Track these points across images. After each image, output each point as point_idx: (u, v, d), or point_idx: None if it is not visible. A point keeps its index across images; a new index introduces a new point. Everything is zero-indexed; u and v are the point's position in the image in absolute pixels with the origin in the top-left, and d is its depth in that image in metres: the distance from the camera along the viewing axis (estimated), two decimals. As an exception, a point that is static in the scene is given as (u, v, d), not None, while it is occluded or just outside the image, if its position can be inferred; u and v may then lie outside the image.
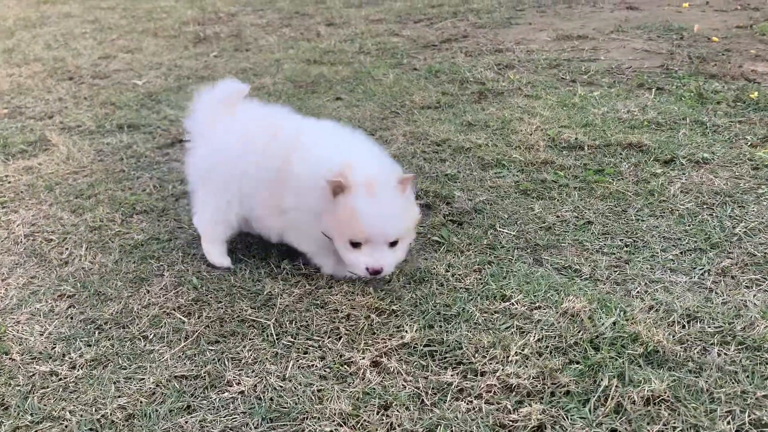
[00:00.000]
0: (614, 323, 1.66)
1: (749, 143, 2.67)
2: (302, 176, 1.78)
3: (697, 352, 1.55)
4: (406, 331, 1.68)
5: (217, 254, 2.03)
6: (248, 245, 2.15)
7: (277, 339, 1.69)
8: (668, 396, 1.40)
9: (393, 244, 1.76)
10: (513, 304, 1.78)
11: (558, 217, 2.25)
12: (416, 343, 1.64)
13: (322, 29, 5.49)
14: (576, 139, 2.81)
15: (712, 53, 3.92)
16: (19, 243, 2.25)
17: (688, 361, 1.52)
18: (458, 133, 3.00)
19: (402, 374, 1.55)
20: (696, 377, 1.46)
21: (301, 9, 6.45)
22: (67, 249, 2.19)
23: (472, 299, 1.81)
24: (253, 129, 1.95)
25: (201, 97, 2.09)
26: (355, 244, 1.74)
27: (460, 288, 1.88)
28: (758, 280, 1.83)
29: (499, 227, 2.21)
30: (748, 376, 1.46)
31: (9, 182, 2.71)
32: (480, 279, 1.91)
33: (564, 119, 3.05)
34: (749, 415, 1.35)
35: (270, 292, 1.88)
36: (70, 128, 3.32)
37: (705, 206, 2.23)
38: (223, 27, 5.78)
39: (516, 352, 1.58)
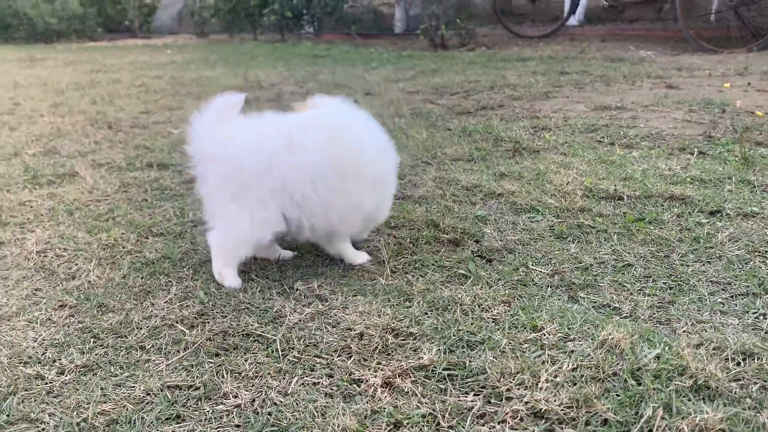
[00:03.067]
0: (658, 356, 1.47)
1: (802, 201, 2.50)
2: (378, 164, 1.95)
3: (756, 390, 1.35)
4: (424, 354, 1.51)
5: (231, 276, 1.91)
6: (263, 266, 2.04)
7: (282, 355, 1.54)
8: (724, 427, 1.20)
9: None
10: (544, 335, 1.60)
11: (595, 258, 2.09)
12: (435, 366, 1.47)
13: (360, 98, 5.57)
14: (615, 189, 2.68)
15: (756, 125, 3.81)
16: (30, 259, 2.18)
17: (746, 397, 1.32)
18: (490, 180, 2.90)
19: (417, 396, 1.37)
20: (756, 413, 1.26)
21: (341, 82, 6.61)
22: (76, 265, 2.10)
23: (499, 328, 1.65)
24: (296, 134, 1.85)
25: (200, 115, 1.94)
26: None
27: (487, 317, 1.71)
28: (823, 325, 1.63)
29: (532, 265, 2.06)
30: (820, 417, 1.25)
31: (31, 206, 2.68)
32: (509, 310, 1.75)
33: (602, 173, 2.94)
34: (826, 456, 1.14)
35: (280, 309, 1.74)
36: (100, 164, 3.33)
37: (756, 254, 2.06)
38: (263, 93, 5.92)
39: (547, 379, 1.40)
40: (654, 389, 1.35)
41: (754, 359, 1.46)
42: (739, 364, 1.45)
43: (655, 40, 9.13)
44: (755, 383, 1.38)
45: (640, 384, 1.38)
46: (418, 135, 3.92)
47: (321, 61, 8.65)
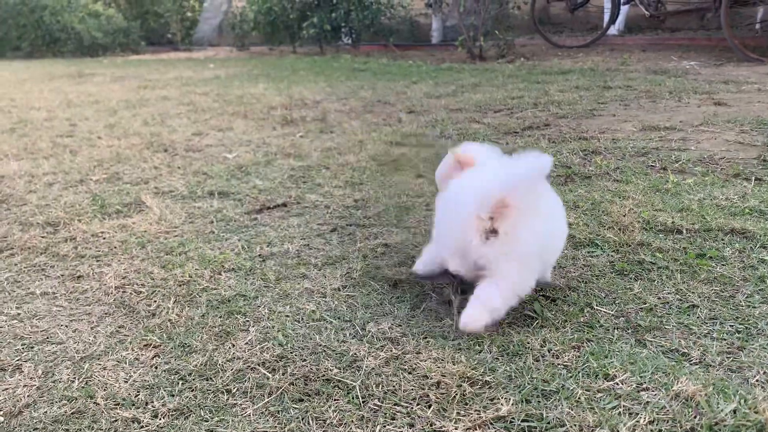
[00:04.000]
0: (734, 410, 1.49)
1: None
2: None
3: (839, 450, 1.37)
4: (502, 404, 1.56)
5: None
6: (331, 306, 2.11)
7: (363, 402, 1.61)
8: (813, 494, 1.22)
9: None
10: (618, 384, 1.64)
11: (659, 298, 2.11)
12: (513, 417, 1.52)
13: (404, 116, 5.64)
14: (673, 222, 2.69)
15: (812, 146, 3.76)
16: (110, 294, 2.29)
17: (830, 458, 1.34)
18: (545, 212, 2.93)
19: (498, 448, 1.43)
20: (843, 476, 1.28)
21: (383, 98, 6.68)
22: (155, 301, 2.20)
23: (571, 376, 1.69)
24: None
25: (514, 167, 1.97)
26: None
27: (558, 364, 1.75)
28: None
29: (596, 305, 2.09)
30: None
31: (104, 238, 2.81)
32: (579, 356, 1.79)
33: (658, 203, 2.94)
34: None
35: (355, 353, 1.81)
36: (163, 193, 3.46)
37: (825, 296, 2.05)
38: (308, 112, 6.03)
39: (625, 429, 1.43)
40: (734, 447, 1.37)
41: (832, 415, 1.47)
42: (817, 420, 1.46)
43: (698, 50, 9.01)
44: (836, 441, 1.39)
45: (718, 440, 1.41)
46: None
47: (361, 75, 8.76)
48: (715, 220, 2.68)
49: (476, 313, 1.89)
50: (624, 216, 2.79)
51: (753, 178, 3.27)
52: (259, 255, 2.54)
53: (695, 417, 1.48)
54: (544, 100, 5.82)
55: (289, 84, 8.09)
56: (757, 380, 1.65)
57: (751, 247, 2.43)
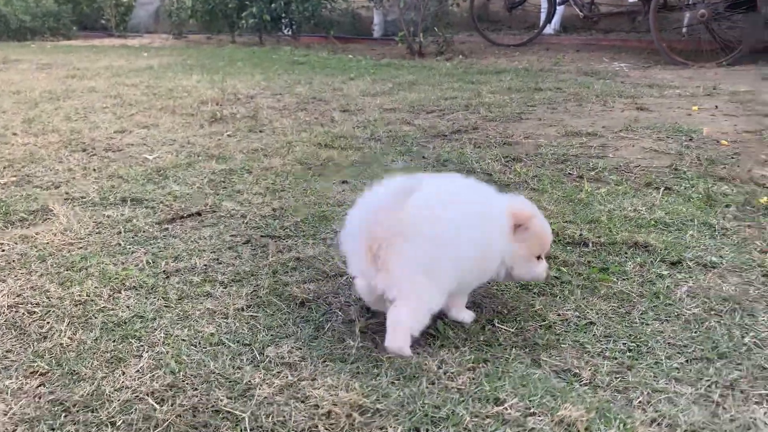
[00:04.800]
0: (614, 437, 1.54)
1: (759, 249, 2.59)
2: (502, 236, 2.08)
3: (704, 476, 1.43)
4: (390, 434, 1.57)
5: (407, 349, 1.92)
6: (231, 328, 2.07)
7: (251, 434, 1.58)
8: None
9: None
10: (506, 409, 1.66)
11: (559, 315, 2.16)
12: (399, 447, 1.53)
13: (337, 115, 5.60)
14: (581, 235, 2.75)
15: (721, 156, 3.92)
16: (2, 314, 2.19)
17: (694, 485, 1.39)
18: (461, 223, 2.95)
19: (381, 482, 1.42)
20: (702, 505, 1.33)
21: (318, 95, 6.61)
22: (48, 323, 2.11)
23: (463, 401, 1.70)
24: (467, 211, 1.98)
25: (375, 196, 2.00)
26: (538, 257, 2.13)
27: (452, 388, 1.77)
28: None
29: (498, 323, 2.12)
30: (759, 507, 1.33)
31: (3, 250, 2.68)
32: (474, 379, 1.81)
33: (569, 214, 3.01)
34: None
35: (249, 381, 1.78)
36: (73, 199, 3.32)
37: (713, 312, 2.14)
38: (240, 108, 5.91)
39: (505, 464, 1.46)
40: (607, 475, 1.41)
41: (702, 439, 1.53)
42: (688, 444, 1.52)
43: (628, 51, 9.27)
44: (702, 466, 1.45)
45: (594, 467, 1.45)
46: (393, 163, 3.96)
47: (299, 69, 8.65)
48: (621, 233, 2.75)
49: (394, 339, 1.91)
50: (535, 228, 2.83)
51: (663, 187, 3.39)
52: (164, 271, 2.47)
53: (575, 444, 1.52)
54: (476, 102, 5.88)
55: (224, 76, 7.91)
56: (639, 402, 1.70)
57: (651, 261, 2.52)
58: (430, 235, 1.90)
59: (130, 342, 1.99)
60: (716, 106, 5.36)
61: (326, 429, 1.59)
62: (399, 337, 1.91)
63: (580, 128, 4.72)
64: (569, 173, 3.69)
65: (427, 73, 7.90)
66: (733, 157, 3.89)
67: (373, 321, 2.11)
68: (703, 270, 2.44)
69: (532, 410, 1.66)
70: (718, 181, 3.46)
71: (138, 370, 1.84)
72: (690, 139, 4.34)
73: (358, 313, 2.15)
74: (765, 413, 1.64)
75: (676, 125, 4.71)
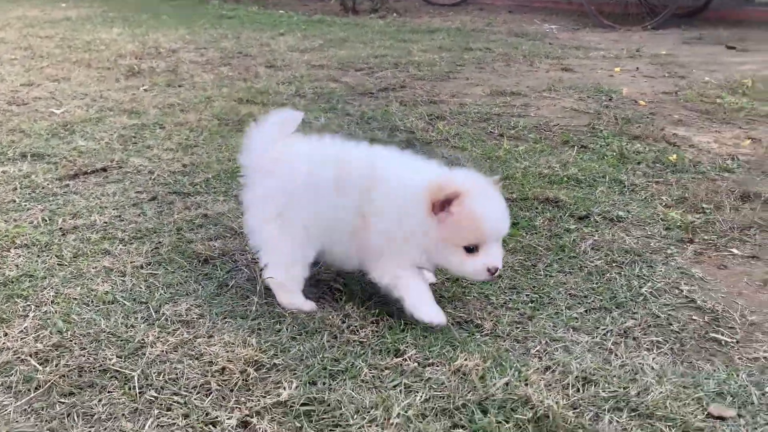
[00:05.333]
0: (507, 384, 1.56)
1: (664, 204, 2.67)
2: (394, 206, 1.75)
3: (589, 419, 1.46)
4: (285, 388, 1.54)
5: (301, 302, 1.89)
6: (128, 287, 1.98)
7: (139, 393, 1.52)
8: (551, 467, 1.30)
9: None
10: (406, 360, 1.66)
11: (467, 269, 2.16)
12: (294, 402, 1.50)
13: (262, 70, 5.42)
14: (495, 191, 2.76)
15: (637, 116, 4.01)
16: None
17: (579, 428, 1.43)
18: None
19: (271, 436, 1.40)
20: (584, 446, 1.37)
21: (244, 50, 6.38)
22: (-73, 283, 1.97)
23: (364, 353, 1.69)
24: (318, 168, 1.82)
25: (257, 127, 1.93)
26: (470, 250, 1.73)
27: (354, 341, 1.75)
28: (659, 343, 1.77)
29: (406, 278, 2.10)
30: (638, 447, 1.37)
31: None
32: (377, 331, 1.80)
33: (486, 171, 3.01)
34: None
35: (142, 339, 1.71)
36: (-33, 154, 3.10)
37: (614, 264, 2.19)
38: (160, 62, 5.64)
39: (399, 414, 1.45)
40: (497, 422, 1.43)
41: (592, 385, 1.57)
42: (578, 390, 1.56)
43: (560, 13, 9.34)
44: (590, 411, 1.49)
45: (486, 414, 1.46)
46: (315, 120, 3.87)
47: (227, 23, 8.33)
48: (534, 189, 2.78)
49: (278, 296, 1.90)
50: (451, 184, 2.83)
51: (579, 145, 3.44)
52: (61, 228, 2.34)
53: (469, 393, 1.53)
54: (406, 61, 5.80)
55: (147, 29, 7.53)
56: (536, 350, 1.73)
57: (560, 216, 2.55)
58: (285, 181, 1.84)
59: (16, 302, 1.87)
60: (637, 68, 5.47)
61: (218, 385, 1.55)
62: (280, 294, 1.90)
63: (506, 88, 4.73)
64: (490, 131, 3.70)
65: (359, 31, 7.74)
66: (648, 117, 3.99)
67: (279, 277, 2.06)
68: (609, 224, 2.50)
69: (430, 360, 1.67)
70: (633, 139, 3.54)
71: (22, 331, 1.74)
72: (609, 99, 4.42)
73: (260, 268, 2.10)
74: (654, 359, 1.69)
75: (597, 86, 4.79)
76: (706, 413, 1.46)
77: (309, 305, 1.89)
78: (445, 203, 1.69)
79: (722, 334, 1.79)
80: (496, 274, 1.75)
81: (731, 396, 1.52)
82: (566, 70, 5.42)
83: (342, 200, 1.79)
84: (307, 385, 1.56)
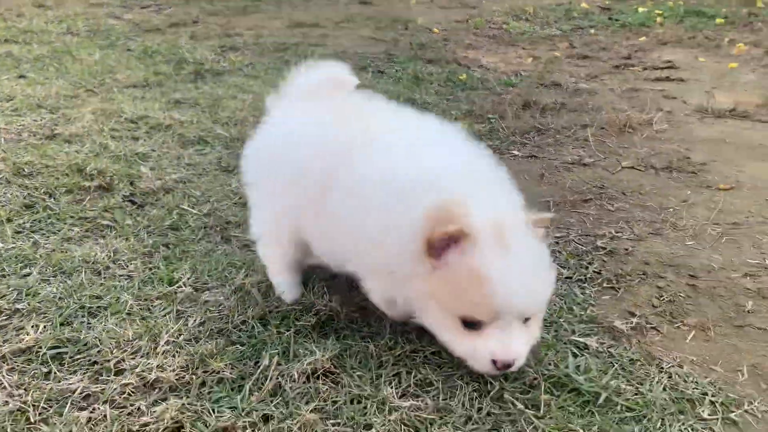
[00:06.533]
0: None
1: (453, 117, 2.72)
2: (371, 189, 1.19)
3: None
4: (29, 333, 1.31)
5: (285, 286, 1.46)
6: None
7: None
8: (331, 367, 1.23)
9: (526, 319, 1.15)
10: (180, 287, 1.50)
11: (256, 192, 2.02)
12: (40, 347, 1.28)
13: (28, 9, 4.74)
14: (288, 115, 2.63)
15: (431, 42, 4.07)
16: None
17: (364, 326, 1.38)
18: (161, 111, 2.65)
19: (8, 388, 1.17)
20: (366, 344, 1.31)
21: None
22: None
23: (131, 287, 1.49)
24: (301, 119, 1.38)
25: (298, 75, 1.50)
26: (471, 324, 1.12)
27: (121, 275, 1.55)
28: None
29: (188, 206, 1.92)
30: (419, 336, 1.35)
31: None
32: (149, 263, 1.60)
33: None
34: (415, 376, 1.22)
35: None
36: None
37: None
38: None
39: (167, 341, 1.30)
40: (278, 333, 1.33)
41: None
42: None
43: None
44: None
45: (266, 327, 1.36)
46: (89, 56, 3.45)
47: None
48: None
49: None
50: (240, 110, 2.65)
51: (376, 70, 3.41)
52: None
53: (249, 308, 1.41)
54: (198, -5, 5.40)
55: None
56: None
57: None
58: (263, 151, 1.46)
59: None
60: (432, 0, 5.58)
61: (-60, 341, 1.28)
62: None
63: (304, 20, 4.58)
64: (287, 60, 3.54)
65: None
66: (442, 43, 4.07)
67: (32, 218, 1.78)
68: (401, 138, 2.48)
69: (209, 285, 1.52)
70: (427, 63, 3.58)
71: None
72: (405, 28, 4.45)
73: (8, 212, 1.79)
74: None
75: (395, 17, 4.80)
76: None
77: (291, 294, 1.46)
78: (443, 245, 1.10)
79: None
80: (511, 368, 1.14)
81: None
82: (364, 3, 5.38)
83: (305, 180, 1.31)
84: (59, 327, 1.34)
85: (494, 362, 1.12)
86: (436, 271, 1.10)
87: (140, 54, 3.56)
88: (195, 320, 1.37)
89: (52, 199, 1.89)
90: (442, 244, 1.08)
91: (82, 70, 3.15)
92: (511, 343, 1.11)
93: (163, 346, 1.28)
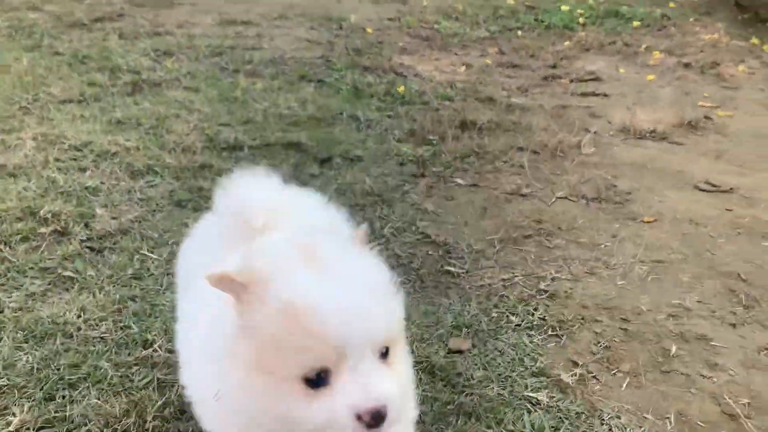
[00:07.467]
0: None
1: (396, 138, 2.82)
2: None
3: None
4: (15, 414, 1.34)
5: None
6: None
7: None
8: None
9: (383, 355, 0.90)
10: (156, 350, 1.55)
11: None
12: (29, 427, 1.32)
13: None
14: (236, 138, 2.66)
15: (366, 45, 4.13)
16: None
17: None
18: (104, 133, 2.62)
19: (5, 476, 1.22)
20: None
21: None
22: None
23: (107, 351, 1.54)
24: None
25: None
26: (315, 381, 0.86)
27: (95, 338, 1.58)
28: (403, 282, 1.89)
29: (147, 250, 1.95)
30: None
31: None
32: (119, 322, 1.64)
33: (224, 115, 2.88)
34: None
35: None
36: None
37: (358, 208, 2.27)
38: None
39: (154, 416, 1.36)
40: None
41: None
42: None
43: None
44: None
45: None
46: (17, 63, 3.30)
47: None
48: (276, 133, 2.74)
49: None
50: (188, 135, 2.66)
51: (316, 80, 3.45)
52: None
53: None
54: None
55: None
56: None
57: (304, 161, 2.55)
58: None
59: None
60: (362, -8, 5.60)
61: (-75, 430, 1.29)
62: None
63: (236, 16, 4.51)
64: (225, 67, 3.52)
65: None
66: (376, 46, 4.13)
67: (-9, 274, 1.76)
68: (349, 165, 2.57)
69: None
70: (364, 71, 3.65)
71: None
72: (340, 28, 4.47)
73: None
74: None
75: (327, 13, 4.80)
76: (447, 349, 1.62)
77: None
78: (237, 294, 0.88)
79: (453, 266, 1.99)
80: (387, 418, 0.86)
81: (466, 327, 1.70)
82: (296, -6, 5.33)
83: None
84: (43, 403, 1.38)
85: (359, 418, 0.85)
86: (248, 331, 0.86)
87: (70, 59, 3.44)
88: (177, 390, 1.44)
89: (8, 248, 1.88)
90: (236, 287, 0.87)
91: (12, 82, 3.02)
92: (369, 383, 0.86)
93: (151, 422, 1.35)
